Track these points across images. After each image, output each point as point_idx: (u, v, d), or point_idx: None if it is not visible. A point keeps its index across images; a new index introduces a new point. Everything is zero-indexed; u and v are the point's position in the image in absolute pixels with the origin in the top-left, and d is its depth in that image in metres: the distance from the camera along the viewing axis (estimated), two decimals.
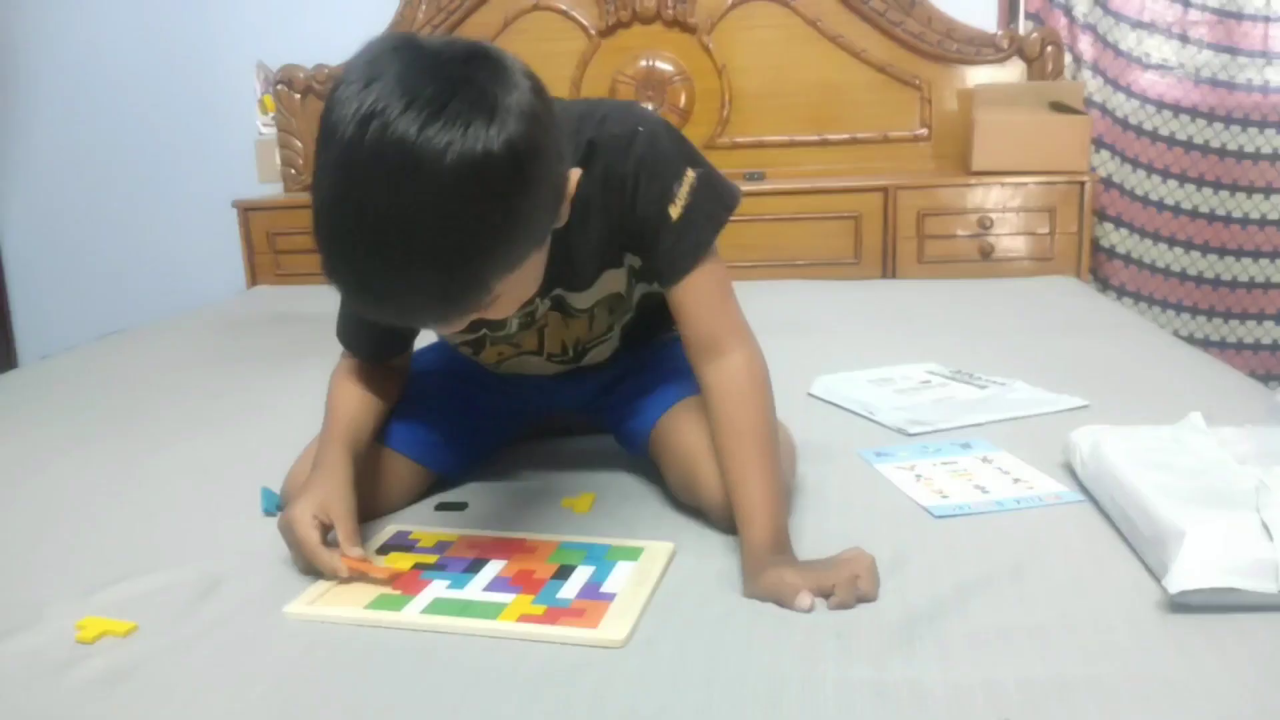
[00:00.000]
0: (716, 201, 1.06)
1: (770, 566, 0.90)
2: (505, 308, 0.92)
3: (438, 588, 0.93)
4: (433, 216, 0.77)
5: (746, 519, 0.96)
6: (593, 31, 2.88)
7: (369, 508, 1.10)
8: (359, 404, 1.12)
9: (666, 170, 1.03)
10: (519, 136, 0.79)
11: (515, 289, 0.90)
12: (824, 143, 2.86)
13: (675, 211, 1.03)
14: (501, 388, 1.27)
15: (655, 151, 1.03)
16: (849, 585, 0.87)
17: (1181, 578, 0.82)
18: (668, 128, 1.07)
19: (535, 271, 0.93)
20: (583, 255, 1.07)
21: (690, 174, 1.04)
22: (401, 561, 0.99)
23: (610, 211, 1.03)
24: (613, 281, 1.13)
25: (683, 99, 2.87)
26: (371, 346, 1.16)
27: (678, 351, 1.15)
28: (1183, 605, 0.83)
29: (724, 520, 1.02)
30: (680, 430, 1.11)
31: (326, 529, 0.98)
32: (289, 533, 0.98)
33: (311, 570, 0.96)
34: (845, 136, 2.85)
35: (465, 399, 1.25)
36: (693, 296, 1.05)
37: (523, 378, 1.25)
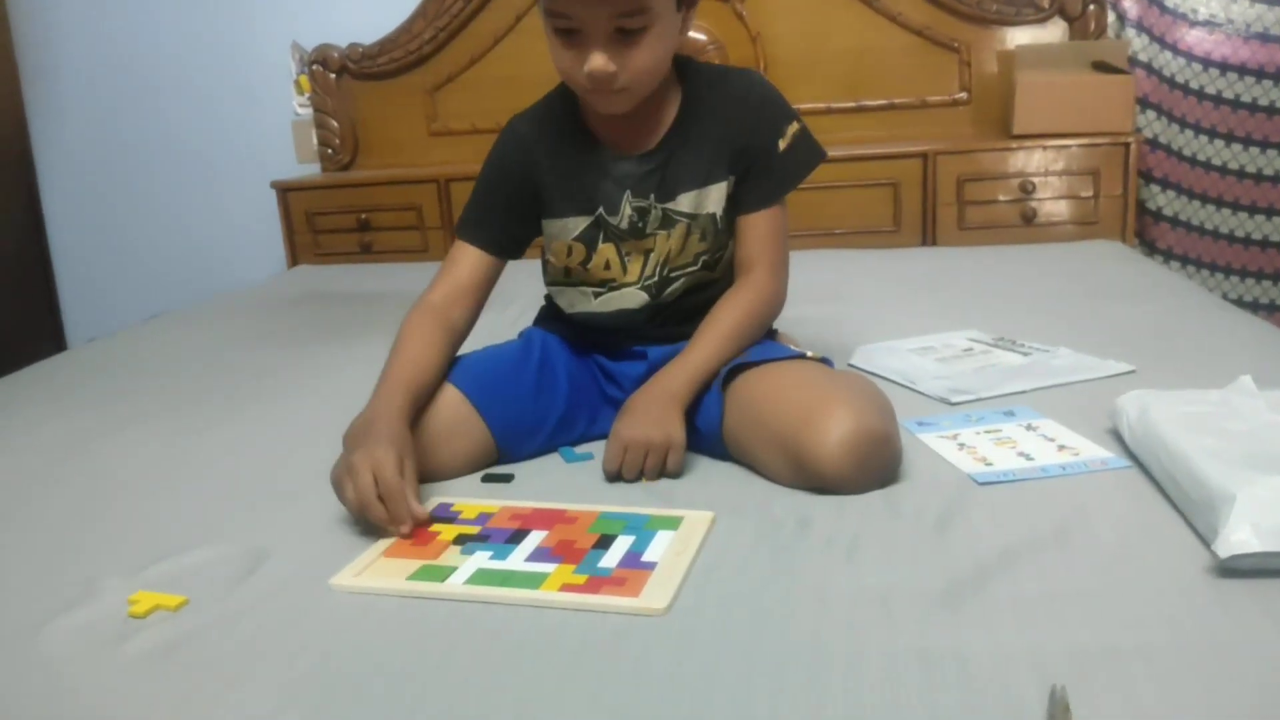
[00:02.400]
0: (812, 153, 1.27)
1: (641, 406, 1.13)
2: (642, 57, 1.10)
3: (480, 558, 0.94)
4: None
5: (678, 363, 1.17)
6: None
7: (437, 467, 1.15)
8: (422, 356, 1.18)
9: (781, 109, 1.25)
10: None
11: (657, 35, 1.10)
12: (861, 109, 2.83)
13: (782, 145, 1.23)
14: (583, 375, 1.29)
15: (773, 92, 1.26)
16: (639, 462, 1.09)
17: (1231, 542, 0.81)
18: (777, 89, 1.27)
19: (668, 39, 1.12)
20: (693, 155, 1.21)
21: (796, 123, 1.25)
22: (445, 533, 1.00)
23: (730, 123, 1.21)
24: (712, 198, 1.23)
25: None
26: (489, 234, 1.27)
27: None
28: (1233, 570, 0.82)
29: (838, 469, 1.02)
30: (766, 397, 1.11)
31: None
32: (366, 474, 0.99)
33: (368, 515, 0.99)
34: (883, 102, 2.81)
35: (554, 392, 1.25)
36: (757, 227, 1.24)
37: (609, 358, 1.30)
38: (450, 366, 1.23)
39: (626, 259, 1.25)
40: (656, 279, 1.25)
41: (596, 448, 1.23)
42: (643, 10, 1.08)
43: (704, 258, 1.25)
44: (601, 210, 1.23)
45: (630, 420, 1.12)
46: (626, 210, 1.22)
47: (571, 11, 1.08)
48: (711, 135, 1.21)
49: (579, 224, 1.24)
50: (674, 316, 1.28)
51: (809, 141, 1.26)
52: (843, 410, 1.04)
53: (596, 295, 1.28)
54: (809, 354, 1.21)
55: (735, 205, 1.24)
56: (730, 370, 1.17)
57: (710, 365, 1.17)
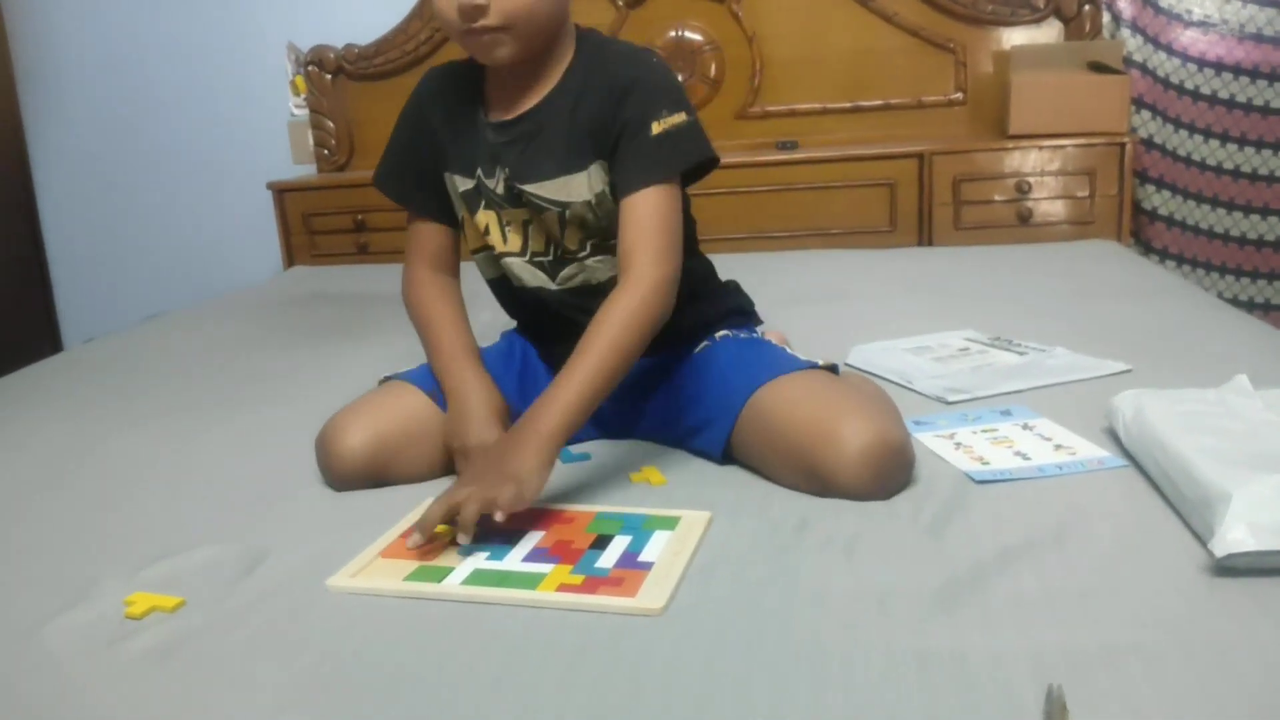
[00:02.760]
0: (694, 147, 1.16)
1: (505, 442, 1.04)
2: None
3: (477, 559, 0.94)
4: None
5: (547, 396, 1.05)
6: (620, 2, 2.86)
7: (406, 466, 1.16)
8: (453, 308, 1.26)
9: (664, 96, 1.14)
10: None
11: None
12: (857, 110, 2.83)
13: (656, 128, 1.13)
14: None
15: (661, 78, 1.16)
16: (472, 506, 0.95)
17: (1228, 541, 0.81)
18: (673, 76, 1.19)
19: None
20: (557, 143, 1.16)
21: (683, 115, 1.15)
22: (442, 533, 1.00)
23: (601, 105, 1.14)
24: (577, 186, 1.17)
25: (713, 69, 2.85)
26: (402, 187, 1.28)
27: (721, 350, 1.21)
28: (1229, 569, 0.82)
29: (856, 481, 1.01)
30: (780, 409, 1.09)
31: None
32: (481, 456, 1.05)
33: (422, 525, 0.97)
34: (879, 103, 2.81)
35: (535, 395, 1.24)
36: (633, 213, 1.13)
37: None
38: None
39: (506, 228, 1.22)
40: (551, 258, 1.22)
41: (594, 447, 1.23)
42: None
43: (591, 243, 1.20)
44: (480, 172, 1.20)
45: (482, 457, 1.05)
46: (500, 175, 1.19)
47: None
48: (578, 116, 1.15)
49: (463, 183, 1.23)
50: (584, 321, 1.16)
51: (694, 137, 1.15)
52: (859, 422, 1.03)
53: (493, 260, 1.26)
54: (820, 363, 1.19)
55: (615, 190, 1.17)
56: (746, 387, 1.13)
57: (588, 393, 1.05)
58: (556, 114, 1.16)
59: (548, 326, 1.27)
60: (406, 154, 1.27)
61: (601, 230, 1.19)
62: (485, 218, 1.23)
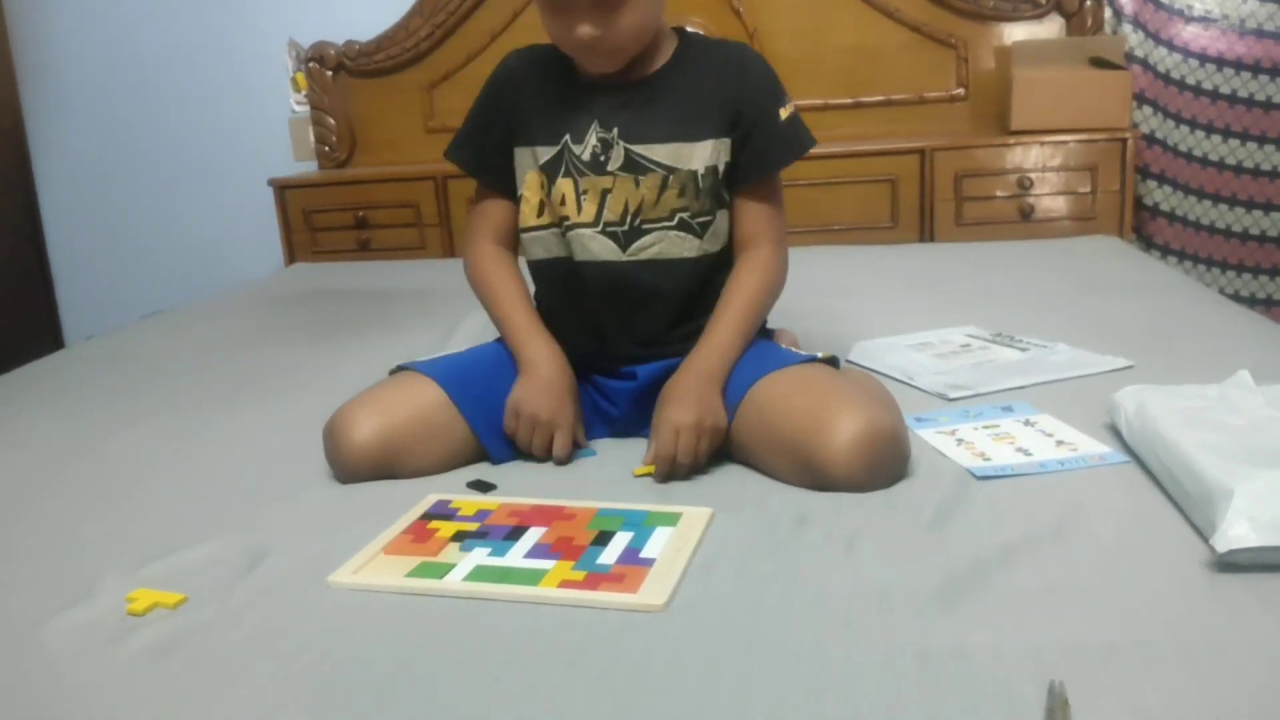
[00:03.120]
0: (806, 133, 1.27)
1: (682, 391, 1.13)
2: (627, 18, 1.13)
3: (479, 555, 0.94)
4: None
5: (708, 338, 1.18)
6: None
7: (415, 459, 1.16)
8: (518, 281, 1.30)
9: (777, 85, 1.25)
10: None
11: (634, 7, 1.13)
12: (858, 106, 2.83)
13: (784, 114, 1.24)
14: (581, 391, 1.27)
15: (770, 67, 1.26)
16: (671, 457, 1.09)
17: (1230, 537, 0.81)
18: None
19: (647, 6, 1.15)
20: (679, 108, 1.22)
21: (791, 104, 1.26)
22: (443, 530, 1.00)
23: (722, 81, 1.22)
24: (695, 154, 1.21)
25: None
26: (474, 157, 1.32)
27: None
28: (1231, 565, 0.82)
29: (848, 470, 1.01)
30: (775, 403, 1.10)
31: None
32: (547, 431, 1.17)
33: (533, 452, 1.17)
34: (880, 99, 2.81)
35: None
36: (753, 198, 1.24)
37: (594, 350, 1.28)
38: (436, 360, 1.26)
39: (582, 197, 1.23)
40: (626, 227, 1.22)
41: (601, 445, 1.23)
42: None
43: (681, 215, 1.22)
44: (568, 137, 1.23)
45: (678, 406, 1.12)
46: (591, 140, 1.22)
47: None
48: (701, 90, 1.22)
49: (545, 153, 1.25)
50: (643, 297, 1.24)
51: (803, 125, 1.27)
52: (851, 411, 1.04)
53: (564, 233, 1.26)
54: (819, 355, 1.19)
55: (733, 175, 1.24)
56: (743, 383, 1.15)
57: (735, 343, 1.18)
58: (676, 83, 1.23)
59: (602, 304, 1.26)
60: (483, 127, 1.31)
61: (696, 204, 1.22)
62: (564, 186, 1.24)
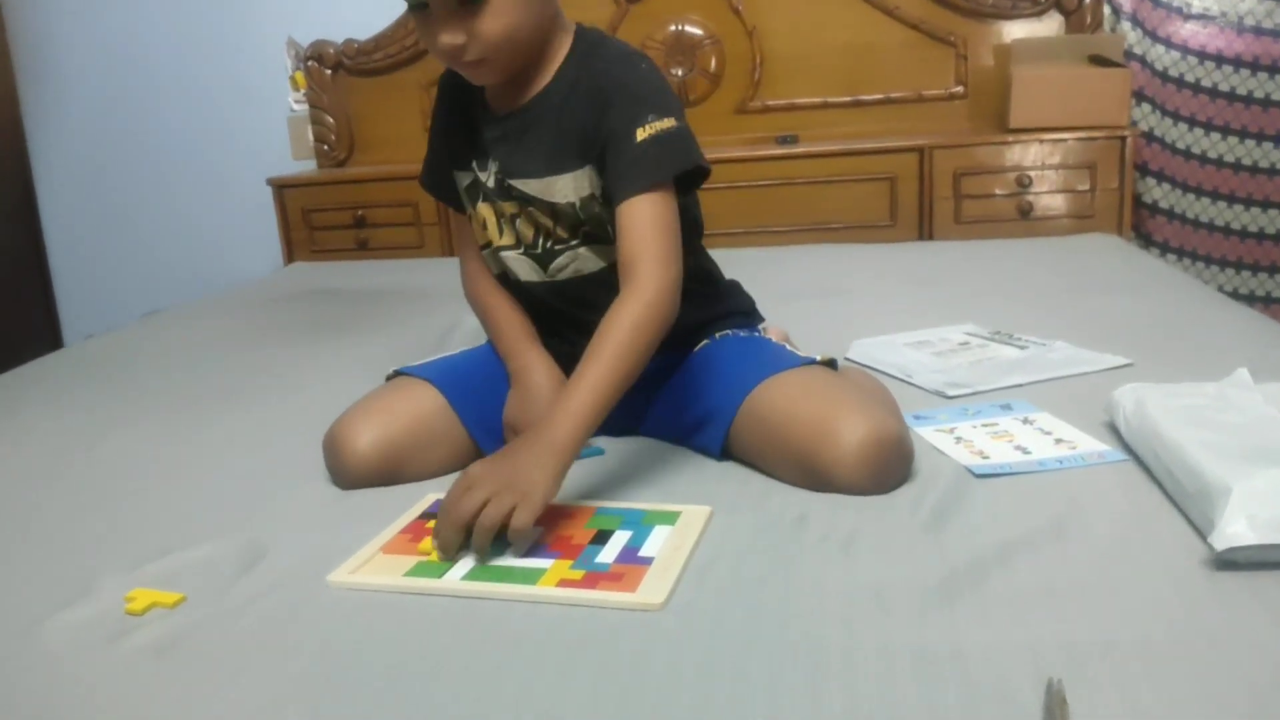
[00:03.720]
0: (682, 153, 1.13)
1: (517, 450, 0.99)
2: (490, 20, 1.06)
3: None
4: None
5: (558, 405, 1.03)
6: None
7: (417, 466, 1.15)
8: (515, 305, 1.27)
9: (651, 103, 1.12)
10: None
11: (496, 14, 1.06)
12: (857, 104, 2.82)
13: (641, 135, 1.10)
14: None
15: (650, 84, 1.14)
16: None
17: (1227, 535, 0.81)
18: (661, 79, 1.16)
19: (512, 14, 1.08)
20: (545, 142, 1.16)
21: (670, 120, 1.12)
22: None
23: (588, 106, 1.13)
24: (563, 188, 1.17)
25: (713, 63, 2.85)
26: (442, 188, 1.30)
27: (721, 349, 1.21)
28: (1229, 563, 0.82)
29: (854, 476, 1.01)
30: (778, 406, 1.09)
31: None
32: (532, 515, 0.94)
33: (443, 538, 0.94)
34: (879, 97, 2.81)
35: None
36: (628, 220, 1.11)
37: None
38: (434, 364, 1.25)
39: (501, 221, 1.23)
40: (539, 250, 1.22)
41: (604, 442, 1.23)
42: None
43: (584, 230, 1.19)
44: (474, 164, 1.23)
45: (491, 462, 0.99)
46: (492, 168, 1.21)
47: None
48: (568, 117, 1.15)
49: (464, 178, 1.25)
50: (582, 310, 1.18)
51: (682, 144, 1.13)
52: (856, 418, 1.03)
53: (495, 255, 1.27)
54: (818, 357, 1.19)
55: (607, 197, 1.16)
56: (743, 386, 1.13)
57: (600, 402, 1.03)
58: (544, 114, 1.17)
59: (544, 322, 1.27)
60: (438, 153, 1.30)
61: (591, 224, 1.19)
62: (484, 211, 1.24)
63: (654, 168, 1.11)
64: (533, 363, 1.21)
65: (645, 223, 1.11)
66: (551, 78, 1.17)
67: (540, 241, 1.21)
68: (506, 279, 1.28)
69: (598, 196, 1.16)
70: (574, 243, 1.20)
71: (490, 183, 1.21)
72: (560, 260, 1.21)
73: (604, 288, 1.18)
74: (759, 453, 1.11)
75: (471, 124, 1.23)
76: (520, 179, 1.18)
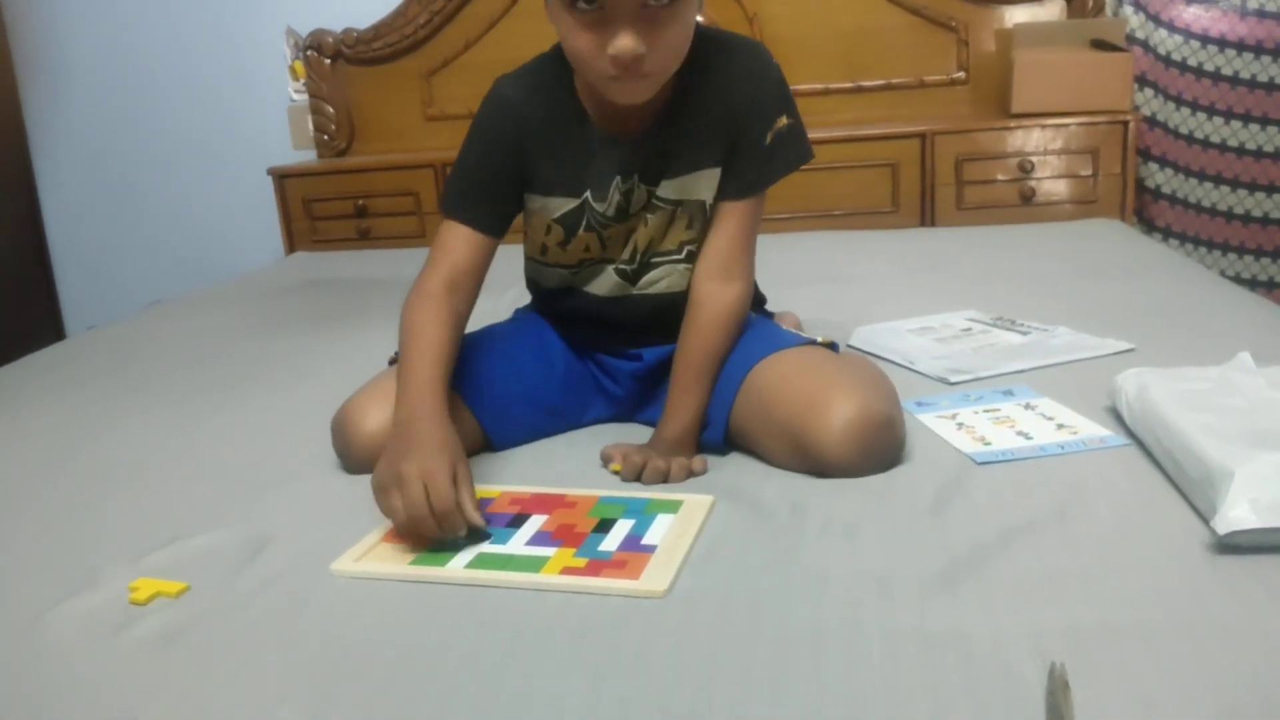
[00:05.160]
0: (797, 153, 1.19)
1: (660, 454, 1.08)
2: (669, 40, 1.03)
3: (481, 543, 0.94)
4: None
5: (670, 412, 1.13)
6: None
7: None
8: (439, 342, 1.11)
9: (777, 99, 1.17)
10: None
11: (683, 18, 1.03)
12: (859, 90, 2.81)
13: (769, 137, 1.15)
14: (581, 373, 1.27)
15: (777, 86, 1.17)
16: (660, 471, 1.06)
17: (1230, 519, 0.81)
18: (781, 74, 1.18)
19: (690, 23, 1.06)
20: (685, 140, 1.15)
21: (787, 118, 1.17)
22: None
23: (729, 103, 1.14)
24: (702, 184, 1.17)
25: None
26: (476, 212, 1.17)
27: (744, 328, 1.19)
28: (1232, 547, 0.82)
29: (841, 454, 1.01)
30: (772, 385, 1.09)
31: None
32: (418, 486, 0.92)
33: (420, 530, 0.93)
34: (880, 83, 2.80)
35: (546, 378, 1.25)
36: (734, 220, 1.17)
37: (595, 334, 1.26)
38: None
39: (607, 243, 1.21)
40: (635, 265, 1.21)
41: (607, 430, 1.23)
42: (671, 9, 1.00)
43: (689, 248, 1.20)
44: (589, 195, 1.17)
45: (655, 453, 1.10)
46: (615, 196, 1.17)
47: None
48: (707, 118, 1.14)
49: (563, 205, 1.18)
50: (650, 321, 1.22)
51: (797, 138, 1.17)
52: (845, 395, 1.03)
53: (572, 273, 1.24)
54: (819, 339, 1.19)
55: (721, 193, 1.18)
56: (743, 365, 1.14)
57: (697, 405, 1.13)
58: (682, 119, 1.15)
59: (606, 323, 1.26)
60: (488, 175, 1.18)
61: (702, 234, 1.19)
62: (586, 239, 1.20)
63: (773, 172, 1.17)
64: (424, 415, 1.03)
65: (742, 226, 1.18)
66: (675, 84, 1.13)
67: (638, 255, 1.21)
68: (569, 292, 1.26)
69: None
70: (676, 256, 1.20)
71: (610, 211, 1.17)
72: (654, 274, 1.22)
73: (675, 309, 1.20)
74: (752, 430, 1.11)
75: (577, 148, 1.15)
76: (664, 181, 1.16)
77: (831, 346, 1.20)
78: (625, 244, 1.21)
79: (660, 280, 1.21)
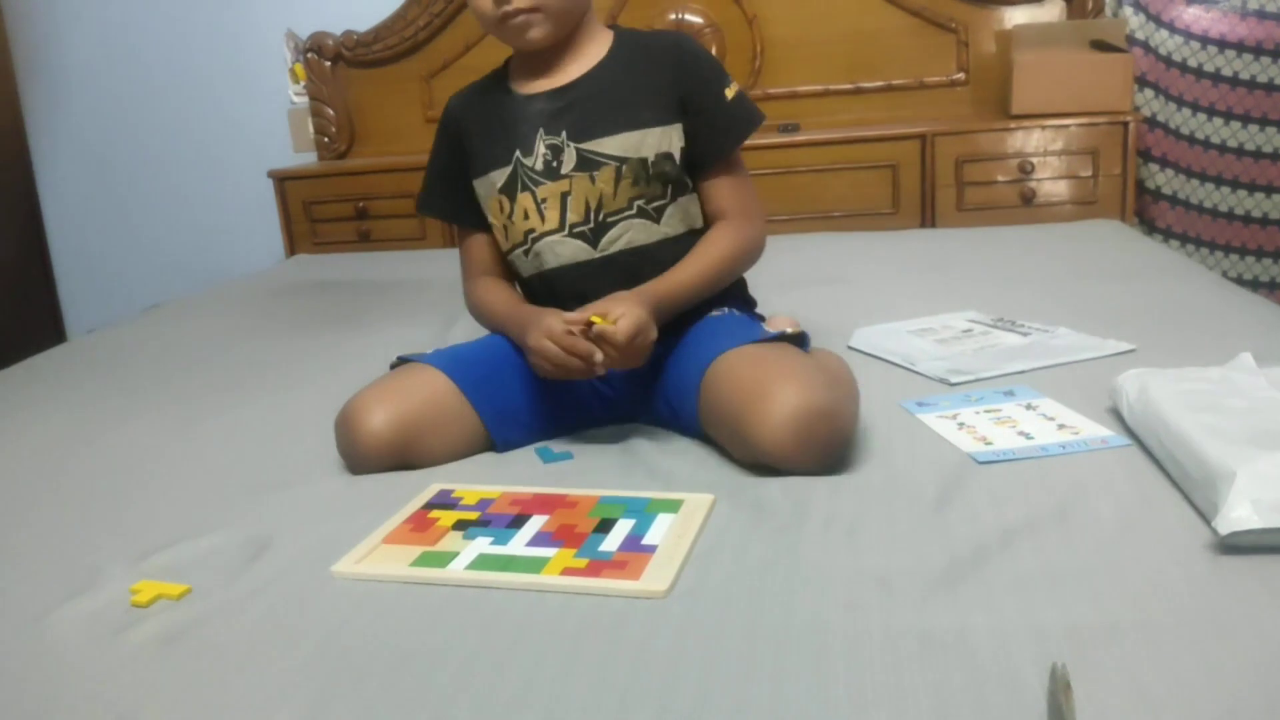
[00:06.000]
0: (754, 108, 1.30)
1: (621, 301, 1.14)
2: None
3: (481, 544, 0.94)
4: None
5: (664, 276, 1.21)
6: None
7: (428, 448, 1.16)
8: (499, 284, 1.33)
9: (718, 67, 1.30)
10: None
11: None
12: (858, 91, 2.82)
13: (729, 94, 1.26)
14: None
15: (708, 53, 1.30)
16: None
17: (1232, 519, 0.81)
18: None
19: None
20: (623, 96, 1.24)
21: (734, 83, 1.28)
22: (445, 519, 1.00)
23: (663, 68, 1.24)
24: (644, 143, 1.22)
25: (713, 51, 2.84)
26: (446, 204, 1.37)
27: (721, 324, 1.22)
28: (1233, 547, 0.82)
29: (779, 446, 1.01)
30: (726, 377, 1.10)
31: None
32: (547, 344, 1.12)
33: (570, 372, 1.13)
34: (880, 84, 2.80)
35: (541, 383, 1.24)
36: (723, 177, 1.27)
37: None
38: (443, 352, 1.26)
39: (543, 205, 1.25)
40: (592, 224, 1.24)
41: (590, 439, 1.23)
42: None
43: (639, 203, 1.24)
44: (518, 153, 1.25)
45: (632, 304, 1.14)
46: (540, 149, 1.24)
47: None
48: (644, 78, 1.24)
49: (500, 176, 1.27)
50: (629, 277, 1.23)
51: (749, 101, 1.30)
52: (785, 387, 1.03)
53: (528, 254, 1.29)
54: (788, 330, 1.20)
55: (693, 160, 1.26)
56: (708, 356, 1.14)
57: (691, 285, 1.22)
58: (616, 75, 1.25)
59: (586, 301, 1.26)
60: (444, 173, 1.35)
61: (651, 187, 1.24)
62: (524, 201, 1.26)
63: (746, 124, 1.28)
64: (524, 307, 1.25)
65: (733, 180, 1.28)
66: (608, 50, 1.27)
67: (592, 215, 1.24)
68: (545, 280, 1.29)
69: (673, 156, 1.23)
70: (629, 213, 1.24)
71: (539, 165, 1.24)
72: (613, 233, 1.25)
73: (654, 263, 1.23)
74: (708, 419, 1.12)
75: (504, 117, 1.28)
76: (597, 139, 1.23)
77: (799, 338, 1.19)
78: (561, 209, 1.24)
79: (621, 236, 1.25)
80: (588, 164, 1.23)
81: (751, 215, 1.29)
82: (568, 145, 1.23)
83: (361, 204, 2.84)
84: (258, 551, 0.97)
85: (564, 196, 1.24)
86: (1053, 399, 1.22)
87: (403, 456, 1.15)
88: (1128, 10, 2.67)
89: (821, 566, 0.85)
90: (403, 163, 2.83)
